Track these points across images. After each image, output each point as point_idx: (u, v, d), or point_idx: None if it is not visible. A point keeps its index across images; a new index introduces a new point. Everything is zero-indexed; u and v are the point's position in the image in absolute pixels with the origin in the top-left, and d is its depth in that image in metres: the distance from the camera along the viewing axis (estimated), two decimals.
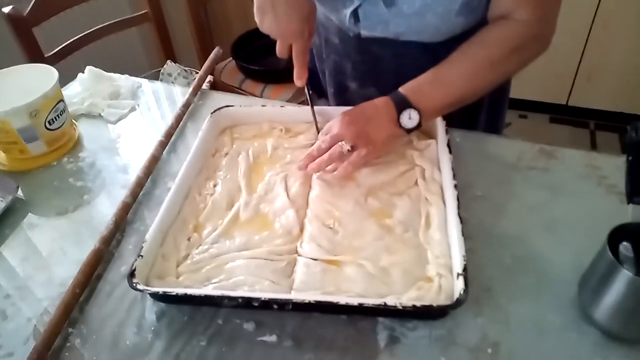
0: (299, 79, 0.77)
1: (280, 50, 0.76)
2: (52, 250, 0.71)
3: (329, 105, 1.02)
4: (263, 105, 0.88)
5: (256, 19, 0.72)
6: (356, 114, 0.73)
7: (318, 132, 0.80)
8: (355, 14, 0.79)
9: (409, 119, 0.71)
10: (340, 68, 0.93)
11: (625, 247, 0.49)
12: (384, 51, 0.85)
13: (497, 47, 0.72)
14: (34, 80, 0.85)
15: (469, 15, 0.74)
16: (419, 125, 0.72)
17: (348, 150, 0.70)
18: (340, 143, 0.71)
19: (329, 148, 0.72)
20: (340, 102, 0.98)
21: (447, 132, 0.76)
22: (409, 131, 0.72)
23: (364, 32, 0.82)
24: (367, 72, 0.90)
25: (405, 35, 0.79)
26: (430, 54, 0.78)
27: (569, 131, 2.30)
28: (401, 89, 0.73)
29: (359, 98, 0.79)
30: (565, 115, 2.35)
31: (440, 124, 0.78)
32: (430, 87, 0.72)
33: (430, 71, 0.73)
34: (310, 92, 0.81)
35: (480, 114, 0.93)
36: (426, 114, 0.71)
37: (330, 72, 0.97)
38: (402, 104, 0.71)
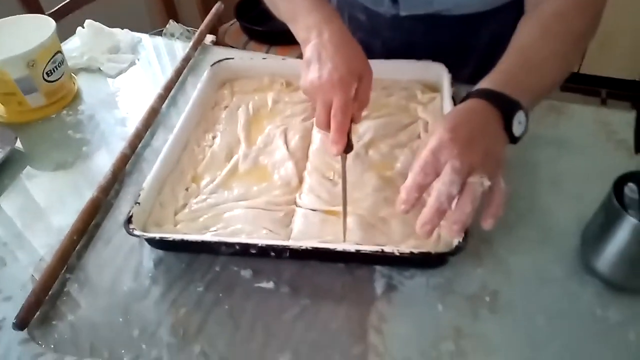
0: (336, 144, 0.57)
1: (318, 112, 0.59)
2: (50, 201, 0.71)
3: None
4: (264, 59, 0.86)
5: (302, 75, 0.61)
6: (466, 130, 0.49)
7: (345, 212, 0.59)
8: None
9: (519, 123, 0.53)
10: (368, 46, 0.73)
11: (630, 189, 0.48)
12: (419, 25, 0.78)
13: (580, 20, 0.60)
14: (31, 30, 0.83)
15: None
16: (525, 131, 0.54)
17: (489, 185, 0.47)
18: (474, 180, 0.47)
19: (460, 190, 0.47)
20: None
21: (452, 84, 0.74)
22: (516, 140, 0.53)
23: (403, 13, 0.75)
24: (398, 49, 0.81)
25: (449, 10, 0.72)
26: (468, 25, 0.74)
27: (580, 99, 2.25)
28: (493, 86, 0.53)
29: None
30: (576, 83, 2.29)
31: (446, 77, 0.75)
32: (527, 76, 0.56)
33: (515, 56, 0.58)
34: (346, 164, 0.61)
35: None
36: (527, 111, 0.54)
37: None
38: (509, 105, 0.52)
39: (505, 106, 0.52)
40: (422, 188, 0.48)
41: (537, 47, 0.58)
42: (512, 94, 0.53)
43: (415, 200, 0.48)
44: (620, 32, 2.01)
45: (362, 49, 0.63)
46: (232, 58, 0.84)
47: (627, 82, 2.16)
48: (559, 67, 0.59)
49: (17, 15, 0.87)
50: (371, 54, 0.67)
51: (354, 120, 0.60)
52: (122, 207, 0.68)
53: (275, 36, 1.67)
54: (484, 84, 0.55)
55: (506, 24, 0.66)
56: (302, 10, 0.65)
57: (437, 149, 0.48)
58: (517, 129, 0.52)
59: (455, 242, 0.53)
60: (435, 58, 0.71)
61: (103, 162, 0.75)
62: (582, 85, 2.29)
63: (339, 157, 0.60)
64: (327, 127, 0.58)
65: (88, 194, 0.67)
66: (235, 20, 1.78)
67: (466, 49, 0.81)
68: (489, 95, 0.53)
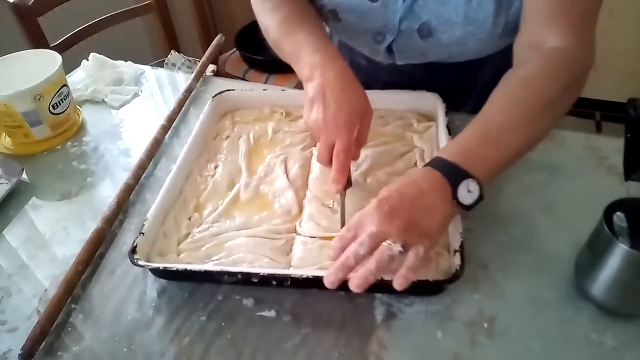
0: (337, 183, 0.62)
1: (320, 150, 0.63)
2: (55, 231, 0.72)
3: None
4: (264, 89, 0.88)
5: (305, 112, 0.65)
6: (395, 200, 0.52)
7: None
8: (389, 47, 0.76)
9: (468, 191, 0.53)
10: (369, 88, 0.74)
11: (618, 217, 0.50)
12: (417, 69, 0.80)
13: (548, 86, 0.59)
14: (38, 65, 0.86)
15: (512, 34, 0.67)
16: (479, 199, 0.54)
17: (400, 251, 0.50)
18: (385, 244, 0.51)
19: (371, 253, 0.51)
20: None
21: (446, 114, 0.76)
22: (468, 208, 0.54)
23: (400, 62, 0.78)
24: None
25: (444, 60, 0.76)
26: (464, 68, 0.76)
27: (575, 122, 2.28)
28: (446, 156, 0.55)
29: None
30: None
31: (440, 107, 0.78)
32: (482, 147, 0.56)
33: (473, 127, 0.58)
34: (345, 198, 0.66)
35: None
36: (484, 181, 0.54)
37: None
38: (457, 175, 0.54)
39: (452, 175, 0.54)
40: (345, 242, 0.53)
41: (497, 116, 0.59)
42: (463, 163, 0.54)
43: (339, 251, 0.53)
44: (613, 55, 2.06)
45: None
46: (234, 89, 0.87)
47: (621, 105, 2.19)
48: (522, 136, 0.58)
49: (25, 51, 0.90)
50: None
51: (353, 158, 0.64)
52: (126, 237, 0.69)
53: (274, 65, 1.71)
54: (441, 153, 0.57)
55: (506, 63, 0.66)
56: (306, 49, 0.67)
57: (363, 214, 0.53)
58: (465, 198, 0.53)
59: (453, 269, 0.55)
60: None
61: (107, 193, 0.77)
62: (577, 108, 2.32)
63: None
64: (328, 163, 0.62)
65: (92, 224, 0.68)
66: (235, 49, 1.82)
67: (466, 89, 0.83)
68: (439, 165, 0.55)
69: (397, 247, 0.50)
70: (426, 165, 0.56)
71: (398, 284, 0.51)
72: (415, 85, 0.82)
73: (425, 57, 0.76)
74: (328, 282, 0.52)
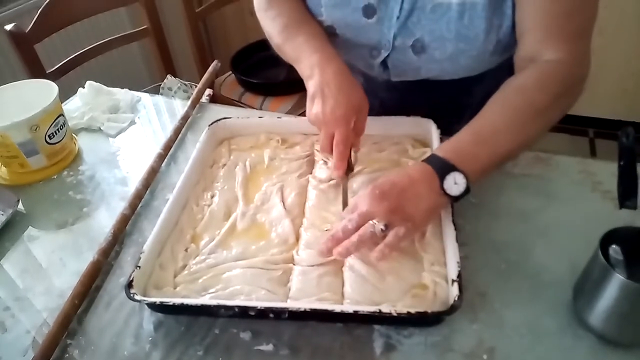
0: (338, 169, 0.70)
1: (322, 141, 0.71)
2: (51, 262, 0.72)
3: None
4: (260, 117, 0.89)
5: (307, 107, 0.71)
6: (387, 187, 0.60)
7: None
8: (384, 63, 0.79)
9: (455, 184, 0.60)
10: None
11: (614, 250, 0.50)
12: (414, 86, 0.83)
13: (540, 94, 0.64)
14: (34, 95, 0.86)
15: (504, 53, 0.72)
16: (466, 192, 0.60)
17: (382, 229, 0.59)
18: (371, 222, 0.59)
19: (357, 228, 0.60)
20: None
21: (441, 140, 0.77)
22: (455, 199, 0.61)
23: (394, 78, 0.81)
24: (395, 108, 0.86)
25: (437, 77, 0.78)
26: (458, 87, 0.79)
27: (568, 139, 2.30)
28: (438, 152, 0.63)
29: None
30: (563, 123, 2.33)
31: (434, 132, 0.78)
32: (473, 145, 0.63)
33: (468, 128, 0.65)
34: (347, 183, 0.73)
35: None
36: (473, 176, 0.61)
37: None
38: (444, 168, 0.61)
39: (440, 169, 0.61)
40: (347, 233, 0.61)
41: (490, 119, 0.65)
42: (453, 159, 0.61)
43: (337, 241, 0.61)
44: (605, 73, 2.08)
45: None
46: (230, 117, 0.87)
47: (613, 122, 2.22)
48: (513, 139, 0.64)
49: (21, 81, 0.91)
50: (370, 112, 0.75)
51: (353, 146, 0.72)
52: (123, 269, 0.69)
53: (270, 88, 1.72)
54: (435, 150, 0.64)
55: (499, 81, 0.69)
56: (306, 51, 0.73)
57: (359, 196, 0.63)
58: (452, 189, 0.60)
59: (451, 299, 0.55)
60: (430, 116, 0.75)
61: (103, 222, 0.77)
62: (570, 125, 2.35)
63: (335, 210, 0.71)
64: (329, 152, 0.71)
65: (89, 254, 0.68)
66: (230, 72, 1.83)
67: (460, 108, 0.85)
68: (432, 160, 0.62)
69: (380, 226, 0.59)
70: (424, 160, 0.63)
71: (374, 257, 0.60)
72: (410, 103, 0.84)
73: (419, 74, 0.78)
74: (318, 252, 0.63)
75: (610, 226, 0.54)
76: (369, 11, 0.74)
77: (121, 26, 1.86)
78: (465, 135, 0.64)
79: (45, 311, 0.65)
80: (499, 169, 0.65)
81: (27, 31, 1.33)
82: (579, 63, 0.67)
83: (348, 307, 0.56)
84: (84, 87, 1.05)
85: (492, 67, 0.76)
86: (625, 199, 0.55)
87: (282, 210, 0.72)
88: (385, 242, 0.59)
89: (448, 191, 0.60)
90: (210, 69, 1.09)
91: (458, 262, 0.58)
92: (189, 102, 0.99)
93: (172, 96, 1.67)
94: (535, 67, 0.66)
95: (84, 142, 0.96)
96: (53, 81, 0.90)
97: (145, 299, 0.58)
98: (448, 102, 0.74)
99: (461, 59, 0.73)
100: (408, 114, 0.83)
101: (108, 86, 1.07)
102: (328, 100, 0.68)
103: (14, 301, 0.67)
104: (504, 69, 0.73)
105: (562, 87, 0.65)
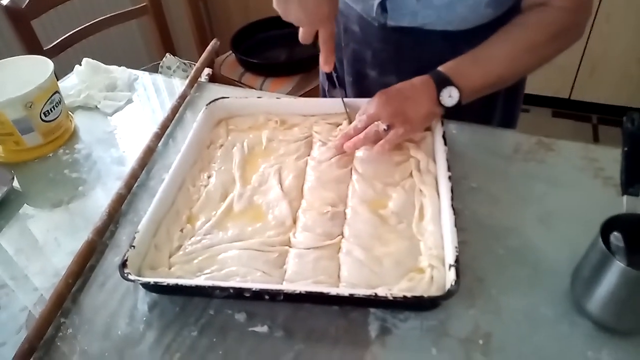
0: (327, 64, 0.76)
1: (305, 36, 0.73)
2: (46, 241, 0.71)
3: (346, 94, 1.00)
4: (259, 97, 0.87)
5: (278, 8, 0.70)
6: (393, 93, 0.72)
7: (348, 116, 0.81)
8: (382, 5, 0.79)
9: (449, 96, 0.71)
10: (360, 56, 0.93)
11: (615, 237, 0.49)
12: (406, 39, 0.84)
13: (538, 32, 0.72)
14: (29, 71, 0.85)
15: (497, 7, 0.75)
16: (459, 104, 0.71)
17: (384, 129, 0.70)
18: (376, 123, 0.71)
19: (365, 127, 0.72)
20: (358, 90, 0.96)
21: (442, 123, 0.75)
22: (448, 110, 0.72)
23: (391, 22, 0.82)
24: (387, 60, 0.90)
25: (432, 24, 0.79)
26: (451, 42, 0.79)
27: (572, 125, 2.29)
28: (441, 68, 0.73)
29: (378, 86, 0.77)
30: (567, 109, 2.33)
31: None
32: (471, 66, 0.73)
33: (470, 52, 0.73)
34: (337, 75, 0.80)
35: (496, 108, 0.92)
36: (466, 92, 0.71)
37: (349, 60, 0.95)
38: (443, 82, 0.71)
39: (440, 82, 0.72)
40: (357, 131, 0.73)
41: (491, 47, 0.73)
42: (452, 74, 0.71)
43: (347, 138, 0.74)
44: (610, 58, 2.06)
45: (355, 57, 0.91)
46: (228, 97, 0.86)
47: (617, 108, 2.20)
48: (507, 66, 0.74)
49: (16, 57, 0.89)
50: (363, 63, 0.91)
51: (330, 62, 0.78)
52: (118, 249, 0.68)
53: (270, 68, 1.70)
54: (440, 67, 0.73)
55: None
56: None
57: (368, 101, 0.75)
58: (446, 100, 0.72)
59: (448, 284, 0.54)
60: (420, 72, 0.75)
61: (99, 202, 0.76)
62: (574, 111, 2.33)
63: (334, 193, 0.71)
64: (310, 42, 0.73)
65: (84, 234, 0.67)
66: (231, 52, 1.81)
67: None
68: (434, 74, 0.73)
69: (383, 126, 0.71)
70: (428, 74, 0.73)
71: (375, 150, 0.72)
72: (402, 56, 0.87)
73: (415, 19, 0.79)
74: (332, 145, 0.76)
75: (612, 213, 0.53)
76: None
77: (120, 3, 1.83)
78: (466, 56, 0.73)
79: (39, 290, 0.64)
80: (491, 90, 0.75)
81: (23, 7, 1.31)
82: (583, 9, 0.73)
83: (344, 290, 0.55)
84: (80, 65, 1.04)
85: (484, 25, 0.77)
86: (629, 185, 0.54)
87: (280, 192, 0.71)
88: (387, 139, 0.70)
89: (443, 102, 0.71)
90: (209, 47, 1.07)
91: (456, 247, 0.57)
92: (187, 80, 0.97)
93: (171, 75, 1.65)
94: (540, 9, 0.72)
95: (80, 120, 0.94)
96: (50, 58, 0.88)
97: (139, 278, 0.57)
98: (437, 56, 0.75)
99: (457, 6, 0.74)
100: (398, 68, 0.86)
101: (106, 64, 1.06)
102: (308, 2, 0.67)
103: (9, 279, 0.66)
104: (493, 30, 0.74)
105: (560, 29, 0.72)
